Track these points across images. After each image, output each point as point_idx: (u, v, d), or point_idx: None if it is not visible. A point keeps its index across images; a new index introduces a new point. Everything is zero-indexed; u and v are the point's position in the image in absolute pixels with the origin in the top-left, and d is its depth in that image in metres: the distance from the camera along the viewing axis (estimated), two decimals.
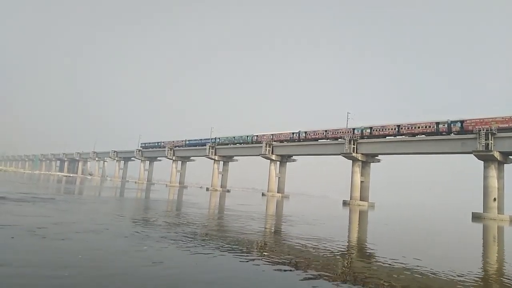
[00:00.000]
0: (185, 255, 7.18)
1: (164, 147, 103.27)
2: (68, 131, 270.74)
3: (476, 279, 7.72)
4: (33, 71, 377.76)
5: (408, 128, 56.12)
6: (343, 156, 62.71)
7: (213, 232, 11.85)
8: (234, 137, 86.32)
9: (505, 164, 48.19)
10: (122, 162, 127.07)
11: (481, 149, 46.48)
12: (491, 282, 7.76)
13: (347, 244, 12.44)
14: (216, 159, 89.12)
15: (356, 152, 61.36)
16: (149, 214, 17.06)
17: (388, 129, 58.46)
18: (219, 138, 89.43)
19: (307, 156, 78.06)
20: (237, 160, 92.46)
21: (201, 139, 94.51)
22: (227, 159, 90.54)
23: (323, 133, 67.92)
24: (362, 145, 61.77)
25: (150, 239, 8.60)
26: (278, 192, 75.64)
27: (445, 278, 7.23)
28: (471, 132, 48.58)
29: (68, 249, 6.87)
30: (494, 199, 45.73)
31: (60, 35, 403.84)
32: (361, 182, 62.15)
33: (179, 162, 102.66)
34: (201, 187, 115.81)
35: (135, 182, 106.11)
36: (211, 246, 8.40)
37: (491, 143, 46.02)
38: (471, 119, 49.64)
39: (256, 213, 23.53)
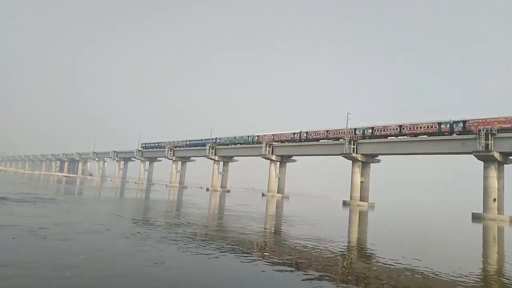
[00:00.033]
0: (186, 256, 7.19)
1: (165, 147, 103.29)
2: (68, 131, 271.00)
3: (476, 279, 7.73)
4: (33, 71, 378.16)
5: (410, 128, 56.00)
6: (343, 156, 62.72)
7: (214, 232, 11.87)
8: (235, 137, 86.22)
9: (505, 165, 48.20)
10: (122, 162, 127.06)
11: (481, 150, 46.50)
12: (492, 282, 7.77)
13: (348, 244, 12.45)
14: (216, 159, 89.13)
15: (356, 153, 61.36)
16: (150, 214, 17.07)
17: (390, 129, 58.34)
18: (219, 139, 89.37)
19: (307, 157, 78.06)
20: (237, 161, 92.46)
21: (201, 139, 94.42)
22: (227, 159, 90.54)
23: (324, 133, 67.79)
24: (362, 146, 61.78)
25: (151, 240, 8.62)
26: (278, 193, 75.64)
27: (445, 279, 7.25)
28: (474, 132, 48.52)
29: (69, 249, 6.89)
30: (494, 200, 45.75)
31: (60, 35, 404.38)
32: (361, 182, 62.16)
33: (179, 163, 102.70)
34: (201, 188, 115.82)
35: (135, 183, 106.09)
36: (212, 247, 8.42)
37: (491, 143, 46.03)
38: (473, 119, 49.45)
39: (256, 213, 23.54)
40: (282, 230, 15.01)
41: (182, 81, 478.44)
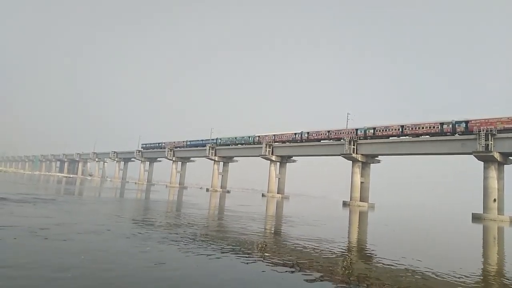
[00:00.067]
0: (187, 256, 7.20)
1: (165, 147, 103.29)
2: (68, 131, 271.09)
3: (477, 280, 7.74)
4: (33, 71, 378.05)
5: (412, 128, 55.76)
6: (343, 156, 62.73)
7: (214, 233, 11.88)
8: (236, 138, 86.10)
9: (505, 165, 48.20)
10: (122, 163, 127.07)
11: (481, 150, 46.51)
12: (492, 283, 7.78)
13: (348, 245, 12.46)
14: (216, 159, 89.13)
15: (356, 153, 61.35)
16: (150, 215, 17.09)
17: (392, 130, 58.12)
18: (220, 139, 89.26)
19: (308, 157, 78.04)
20: (237, 161, 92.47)
21: (202, 140, 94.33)
22: (227, 159, 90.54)
23: (325, 134, 67.63)
24: (362, 146, 61.78)
25: (152, 240, 8.63)
26: (278, 193, 75.64)
27: (446, 280, 7.26)
28: (474, 133, 48.41)
29: (70, 250, 6.90)
30: (494, 200, 45.75)
31: (60, 35, 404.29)
32: (361, 182, 62.16)
33: (179, 163, 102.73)
34: (201, 188, 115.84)
35: (135, 183, 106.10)
36: (213, 247, 8.43)
37: (491, 143, 46.03)
38: (476, 120, 49.17)
39: (256, 214, 23.55)
40: (282, 231, 15.01)
41: (182, 81, 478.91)
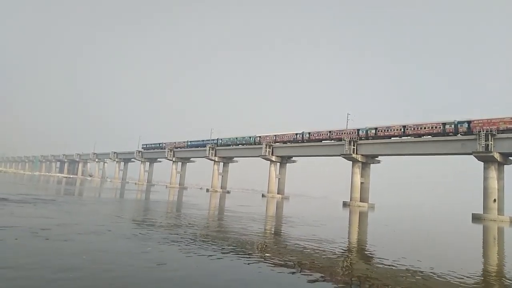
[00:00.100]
0: (188, 257, 7.21)
1: (166, 148, 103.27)
2: (68, 132, 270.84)
3: (477, 280, 7.75)
4: (33, 71, 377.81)
5: (414, 129, 55.46)
6: (343, 157, 62.73)
7: (214, 233, 11.89)
8: (236, 138, 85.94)
9: (505, 165, 48.20)
10: (122, 163, 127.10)
11: (481, 150, 46.52)
12: (492, 283, 7.80)
13: (349, 245, 12.47)
14: (216, 160, 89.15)
15: (356, 153, 61.35)
16: (150, 215, 17.10)
17: (394, 130, 57.83)
18: (221, 139, 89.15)
19: (308, 157, 78.03)
20: (237, 161, 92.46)
21: (203, 140, 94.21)
22: (227, 160, 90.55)
23: (327, 134, 67.35)
24: (362, 146, 61.78)
25: (152, 241, 8.65)
26: (278, 193, 75.64)
27: (446, 280, 7.27)
28: (474, 133, 48.33)
29: (71, 250, 6.91)
30: (494, 200, 45.77)
31: (60, 35, 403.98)
32: (361, 183, 62.16)
33: (179, 163, 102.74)
34: (201, 188, 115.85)
35: (135, 183, 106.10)
36: (213, 248, 8.44)
37: (491, 144, 46.04)
38: (478, 120, 48.87)
39: (257, 214, 23.57)
40: (282, 231, 15.02)
41: (182, 81, 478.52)
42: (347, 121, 65.92)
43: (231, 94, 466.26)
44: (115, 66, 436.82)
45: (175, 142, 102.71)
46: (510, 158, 48.41)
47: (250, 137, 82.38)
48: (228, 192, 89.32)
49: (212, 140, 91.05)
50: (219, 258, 7.29)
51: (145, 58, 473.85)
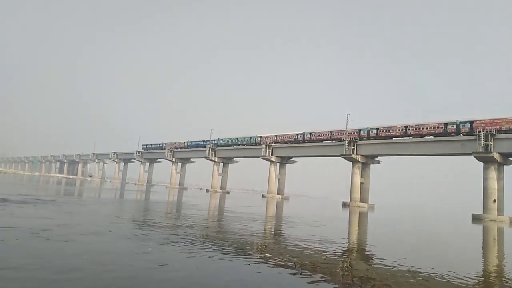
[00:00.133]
0: (188, 258, 7.21)
1: (166, 148, 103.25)
2: (68, 131, 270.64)
3: (477, 280, 7.76)
4: (33, 71, 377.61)
5: (415, 129, 55.29)
6: (342, 157, 62.76)
7: (215, 234, 11.90)
8: (237, 139, 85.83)
9: (504, 166, 48.25)
10: (122, 163, 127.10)
11: (480, 151, 46.56)
12: (492, 284, 7.81)
13: (349, 246, 12.49)
14: (216, 160, 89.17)
15: (356, 154, 61.37)
16: (150, 215, 17.10)
17: (395, 130, 57.66)
18: (222, 140, 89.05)
19: (308, 158, 78.02)
20: (237, 162, 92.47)
21: (203, 141, 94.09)
22: (227, 160, 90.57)
23: (328, 134, 67.17)
24: (362, 147, 61.80)
25: (153, 241, 8.66)
26: (278, 194, 75.64)
27: (447, 280, 7.28)
28: (474, 133, 48.26)
29: (72, 251, 6.92)
30: (494, 201, 45.81)
31: (60, 35, 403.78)
32: (361, 183, 62.19)
33: (179, 164, 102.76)
34: (201, 189, 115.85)
35: (135, 184, 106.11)
36: (214, 248, 8.45)
37: (491, 144, 46.07)
38: (480, 120, 48.69)
39: (257, 214, 23.59)
40: (282, 232, 15.03)
41: (182, 81, 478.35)
42: (347, 122, 65.86)
43: (231, 94, 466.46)
44: (115, 66, 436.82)
45: (175, 143, 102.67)
46: (510, 158, 48.45)
47: (251, 138, 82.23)
48: (228, 192, 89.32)
49: (212, 140, 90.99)
50: (220, 259, 7.30)
51: (145, 58, 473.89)
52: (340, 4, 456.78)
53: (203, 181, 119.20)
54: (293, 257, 8.45)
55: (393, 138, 58.40)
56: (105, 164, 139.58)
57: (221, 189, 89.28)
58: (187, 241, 9.12)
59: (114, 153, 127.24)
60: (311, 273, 6.76)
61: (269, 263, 7.31)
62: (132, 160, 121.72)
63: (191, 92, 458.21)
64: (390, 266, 8.33)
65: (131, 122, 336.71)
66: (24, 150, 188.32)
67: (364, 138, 61.54)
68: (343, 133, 64.25)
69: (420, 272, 7.89)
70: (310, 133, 70.21)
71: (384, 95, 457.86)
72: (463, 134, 50.40)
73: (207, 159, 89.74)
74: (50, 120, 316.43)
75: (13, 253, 6.38)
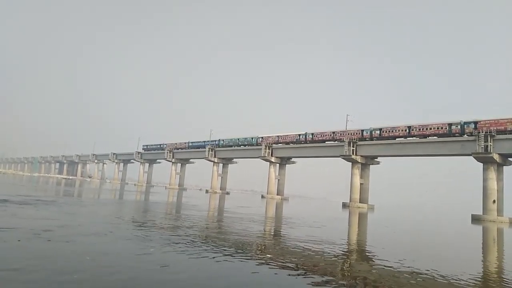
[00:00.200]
0: (190, 259, 7.22)
1: (166, 149, 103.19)
2: (67, 131, 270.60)
3: (477, 281, 7.79)
4: (33, 71, 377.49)
5: (419, 129, 54.91)
6: (342, 158, 62.78)
7: (215, 234, 11.91)
8: (238, 139, 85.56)
9: (504, 166, 48.29)
10: (122, 164, 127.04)
11: (480, 151, 46.61)
12: (493, 284, 7.83)
13: (349, 246, 12.51)
14: (216, 161, 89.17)
15: (356, 154, 61.38)
16: (150, 216, 17.10)
17: (399, 131, 57.25)
18: (223, 140, 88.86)
19: (308, 158, 77.96)
20: (236, 163, 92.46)
21: (204, 141, 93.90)
22: (226, 161, 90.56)
23: (330, 135, 66.79)
24: (362, 147, 61.81)
25: (154, 242, 8.67)
26: (277, 194, 75.62)
27: (447, 281, 7.30)
28: (473, 134, 48.12)
29: (74, 252, 6.93)
30: (494, 201, 45.84)
31: (60, 35, 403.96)
32: (361, 184, 62.23)
33: (179, 165, 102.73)
34: (200, 189, 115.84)
35: (135, 185, 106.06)
36: (215, 249, 8.46)
37: (490, 145, 46.12)
38: (485, 120, 48.43)
39: (256, 215, 23.61)
40: (283, 232, 15.04)
41: (182, 81, 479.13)
42: (347, 122, 65.94)
43: (231, 94, 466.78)
44: (115, 66, 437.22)
45: (176, 143, 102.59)
46: (509, 159, 48.49)
47: (252, 138, 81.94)
48: (228, 193, 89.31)
49: (213, 141, 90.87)
50: (220, 260, 7.32)
51: (145, 58, 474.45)
52: (340, 4, 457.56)
53: (203, 181, 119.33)
54: (294, 258, 8.46)
55: (397, 139, 57.98)
56: (105, 165, 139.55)
57: (220, 189, 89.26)
58: (188, 242, 9.14)
59: (114, 153, 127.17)
60: (313, 275, 6.78)
61: (270, 265, 7.33)
62: (132, 160, 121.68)
63: (191, 92, 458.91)
64: (391, 267, 8.35)
65: (131, 122, 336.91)
66: (23, 150, 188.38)
67: (367, 139, 61.22)
68: (346, 134, 63.78)
69: (421, 273, 7.92)
70: (312, 134, 69.82)
71: (384, 95, 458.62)
72: (467, 135, 49.97)
73: (207, 159, 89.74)
74: (50, 120, 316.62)
75: (15, 254, 6.39)
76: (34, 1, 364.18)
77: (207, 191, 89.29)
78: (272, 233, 14.60)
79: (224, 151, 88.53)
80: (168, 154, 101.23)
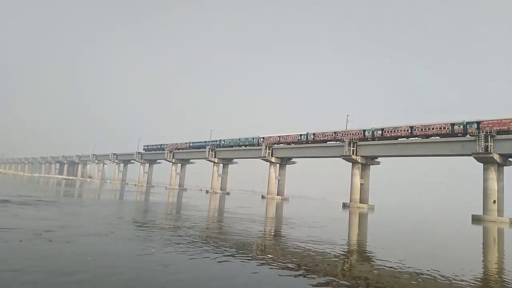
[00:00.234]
0: (190, 259, 7.23)
1: (167, 149, 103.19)
2: (67, 132, 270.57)
3: (478, 281, 7.79)
4: (33, 71, 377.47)
5: (421, 129, 54.65)
6: (342, 158, 62.78)
7: (216, 235, 11.92)
8: (239, 139, 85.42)
9: (504, 167, 48.27)
10: (122, 164, 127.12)
11: (480, 151, 46.60)
12: (493, 284, 7.83)
13: (350, 247, 12.51)
14: (216, 161, 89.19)
15: (356, 155, 61.37)
16: (150, 217, 17.11)
17: (401, 131, 57.03)
18: (223, 140, 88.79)
19: (308, 158, 77.97)
20: (236, 163, 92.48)
21: (205, 141, 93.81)
22: (226, 161, 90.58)
23: (332, 135, 66.54)
24: (362, 148, 61.80)
25: (155, 242, 8.68)
26: (277, 195, 75.63)
27: (447, 281, 7.31)
28: (474, 134, 48.08)
29: (75, 252, 6.93)
30: (494, 201, 45.83)
31: (60, 35, 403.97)
32: (361, 184, 62.23)
33: (179, 165, 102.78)
34: (200, 190, 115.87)
35: (135, 185, 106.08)
36: (215, 250, 8.47)
37: (491, 145, 46.10)
38: (488, 120, 48.24)
39: (257, 215, 23.61)
40: (283, 233, 15.05)
41: (182, 81, 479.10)
42: (347, 122, 65.87)
43: (231, 94, 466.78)
44: (115, 66, 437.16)
45: (176, 143, 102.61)
46: (509, 159, 48.47)
47: (253, 138, 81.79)
48: (228, 193, 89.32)
49: (214, 141, 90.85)
50: (222, 261, 7.32)
51: (145, 58, 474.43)
52: (340, 4, 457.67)
53: (203, 182, 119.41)
54: (294, 258, 8.47)
55: (398, 139, 57.88)
56: (105, 165, 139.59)
57: (221, 190, 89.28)
58: (189, 243, 9.15)
59: (114, 154, 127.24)
60: (314, 275, 6.79)
61: (271, 265, 7.33)
62: (132, 161, 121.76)
63: (191, 92, 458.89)
64: (391, 267, 8.35)
65: (131, 122, 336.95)
66: (24, 150, 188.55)
67: (369, 139, 61.06)
68: (347, 134, 63.56)
69: (422, 274, 7.92)
70: (314, 134, 69.53)
71: (384, 95, 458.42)
72: (469, 135, 49.72)
73: (207, 160, 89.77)
74: (50, 120, 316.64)
75: (16, 254, 6.40)
76: (34, 1, 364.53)
77: (207, 192, 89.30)
78: (273, 234, 14.60)
79: (224, 151, 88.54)
80: (169, 154, 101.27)
